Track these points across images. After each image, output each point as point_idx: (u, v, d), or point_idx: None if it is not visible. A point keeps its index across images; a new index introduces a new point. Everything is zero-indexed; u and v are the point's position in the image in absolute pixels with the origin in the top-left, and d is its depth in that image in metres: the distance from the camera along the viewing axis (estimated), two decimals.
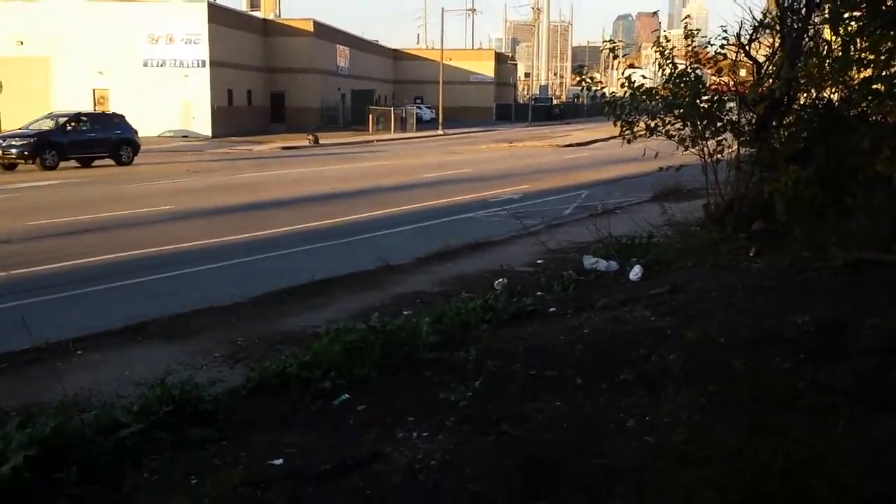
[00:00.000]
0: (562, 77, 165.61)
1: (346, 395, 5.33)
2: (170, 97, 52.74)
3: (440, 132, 63.79)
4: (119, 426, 4.53)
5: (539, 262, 11.10)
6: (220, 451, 4.55)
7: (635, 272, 9.22)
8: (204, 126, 53.50)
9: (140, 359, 6.91)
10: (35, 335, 6.86)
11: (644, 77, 10.96)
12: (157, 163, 33.03)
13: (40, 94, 52.40)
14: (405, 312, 7.93)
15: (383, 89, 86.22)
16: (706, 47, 10.92)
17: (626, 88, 10.60)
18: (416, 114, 71.17)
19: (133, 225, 15.49)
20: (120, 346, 7.33)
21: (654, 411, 4.71)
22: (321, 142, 48.66)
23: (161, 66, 53.66)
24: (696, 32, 10.76)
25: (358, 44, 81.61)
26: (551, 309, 7.86)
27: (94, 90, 53.48)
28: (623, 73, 11.04)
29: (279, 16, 75.25)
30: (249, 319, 8.41)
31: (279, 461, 4.35)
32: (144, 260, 11.93)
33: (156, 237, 13.89)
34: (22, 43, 52.87)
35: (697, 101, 10.10)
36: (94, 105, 53.25)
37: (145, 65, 53.54)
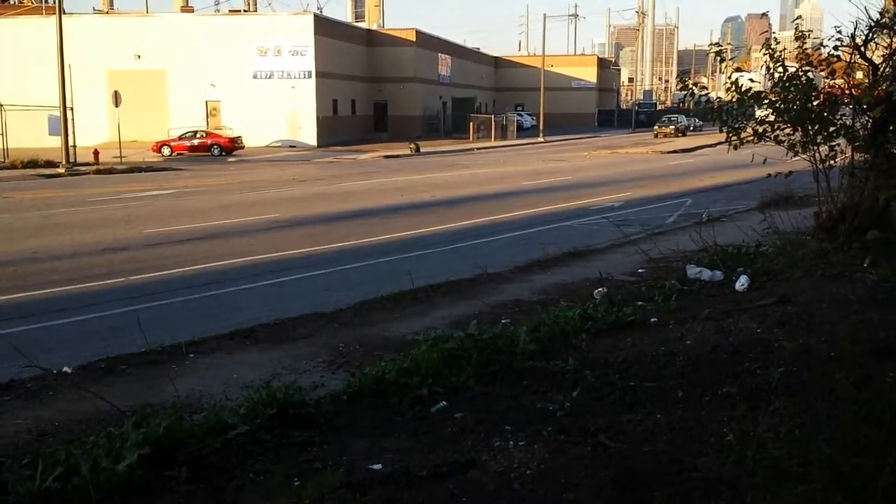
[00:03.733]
0: (667, 82, 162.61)
1: (444, 403, 5.39)
2: (277, 108, 54.24)
3: (541, 139, 63.52)
4: (227, 427, 4.71)
5: (640, 271, 10.95)
6: (321, 453, 4.68)
7: (741, 282, 8.99)
8: (310, 135, 54.79)
9: (247, 362, 7.15)
10: (151, 339, 7.19)
11: (752, 81, 10.63)
12: (264, 171, 33.96)
13: (157, 107, 54.70)
14: (503, 321, 7.95)
15: (484, 97, 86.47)
16: (818, 49, 10.55)
17: (732, 93, 10.34)
18: (517, 121, 71.11)
19: (242, 233, 16.00)
20: (229, 349, 7.60)
21: (755, 425, 4.60)
22: (422, 150, 49.17)
23: (269, 77, 55.24)
24: (807, 34, 10.41)
25: (459, 52, 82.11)
26: (652, 319, 7.74)
27: (206, 102, 55.48)
28: (730, 77, 10.77)
29: (382, 26, 76.57)
30: (351, 325, 8.58)
31: (378, 465, 4.44)
32: (251, 267, 12.32)
33: (263, 245, 14.32)
34: (139, 57, 55.25)
35: (809, 105, 9.77)
36: (207, 117, 55.26)
37: (254, 77, 55.21)
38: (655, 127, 67.26)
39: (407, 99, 66.31)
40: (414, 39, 67.52)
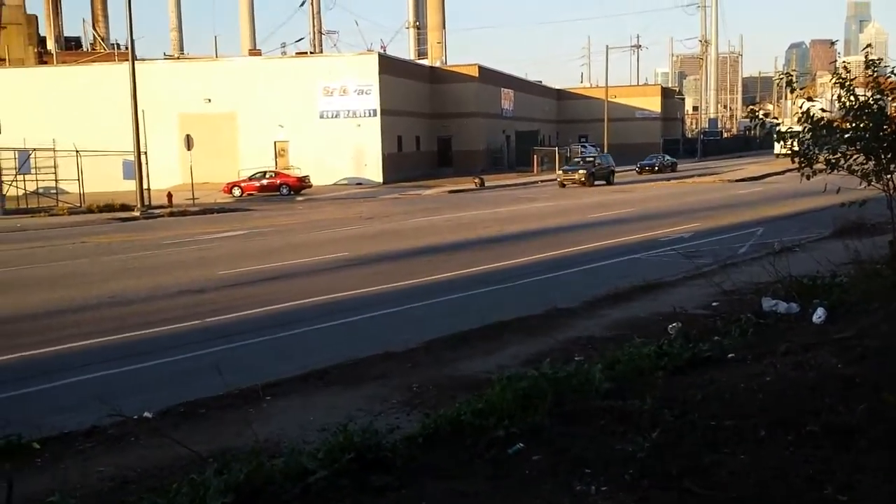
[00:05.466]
0: (732, 109, 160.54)
1: (521, 444, 5.34)
2: (343, 146, 55.10)
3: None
4: (306, 472, 4.74)
5: (714, 304, 10.74)
6: (399, 498, 4.67)
7: (818, 315, 8.76)
8: (375, 172, 55.46)
9: (322, 404, 7.21)
10: (228, 381, 7.30)
11: (823, 111, 10.42)
12: (332, 209, 34.39)
13: (228, 148, 56.05)
14: (576, 358, 7.88)
15: (547, 129, 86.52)
16: (889, 76, 10.31)
17: (803, 123, 10.16)
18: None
19: (312, 272, 16.22)
20: (304, 391, 7.68)
21: (844, 468, 4.45)
22: (487, 184, 49.33)
23: (335, 116, 56.21)
24: (877, 62, 10.21)
25: (521, 86, 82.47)
26: (730, 355, 7.58)
27: (275, 142, 56.69)
28: (801, 107, 10.59)
29: (445, 62, 77.32)
30: (423, 365, 8.60)
31: None
32: (322, 306, 12.45)
33: (333, 284, 14.47)
34: (209, 100, 56.78)
35: (881, 134, 9.55)
36: (276, 157, 56.40)
37: (321, 116, 56.24)
38: (559, 172, 50.51)
39: (470, 133, 66.76)
40: (476, 75, 68.07)
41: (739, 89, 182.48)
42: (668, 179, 49.64)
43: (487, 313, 11.01)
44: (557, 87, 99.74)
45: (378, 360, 8.80)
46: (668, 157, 65.12)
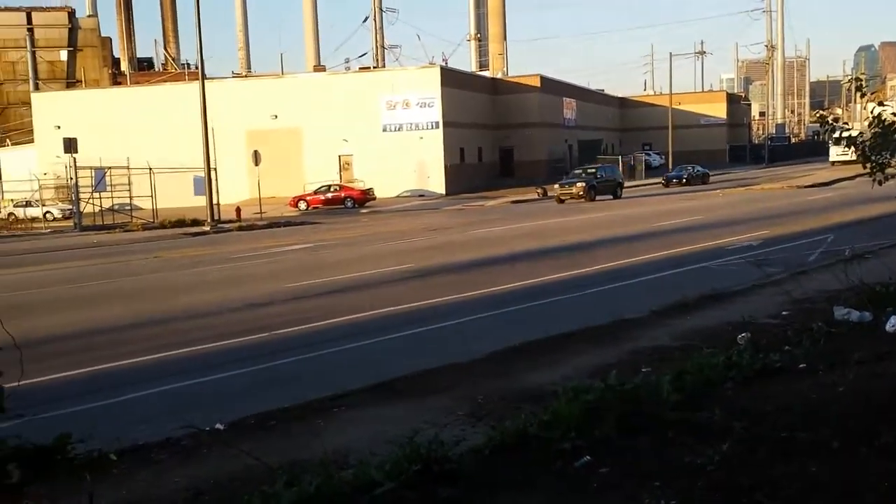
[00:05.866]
0: (799, 114, 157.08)
1: (588, 457, 5.32)
2: (406, 159, 55.53)
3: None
4: (374, 484, 4.79)
5: (784, 313, 10.53)
6: None
7: (892, 323, 8.53)
8: (438, 184, 55.74)
9: (389, 416, 7.27)
10: (297, 393, 7.43)
11: (895, 115, 10.17)
12: (395, 222, 34.66)
13: (293, 163, 57.01)
14: (643, 369, 7.80)
15: (610, 138, 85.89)
16: None
17: (874, 128, 9.92)
18: (645, 160, 70.22)
19: (378, 284, 16.36)
20: (371, 403, 7.75)
21: None
22: (549, 194, 49.13)
23: (398, 130, 56.70)
24: None
25: (584, 95, 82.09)
26: (801, 365, 7.43)
27: (339, 156, 57.43)
28: (871, 111, 10.35)
29: (507, 73, 77.41)
30: (487, 376, 8.60)
31: None
32: (388, 318, 12.55)
33: (398, 295, 14.58)
34: (276, 116, 57.83)
35: None
36: (340, 171, 57.12)
37: (384, 130, 56.80)
38: (556, 186, 45.92)
39: (533, 144, 66.67)
40: (538, 85, 68.00)
41: (807, 94, 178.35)
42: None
43: (552, 324, 10.97)
44: (620, 95, 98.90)
45: (443, 371, 8.83)
46: (698, 168, 60.40)
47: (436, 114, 56.21)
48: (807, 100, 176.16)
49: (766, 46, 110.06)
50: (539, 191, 49.76)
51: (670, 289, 13.62)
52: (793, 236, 20.48)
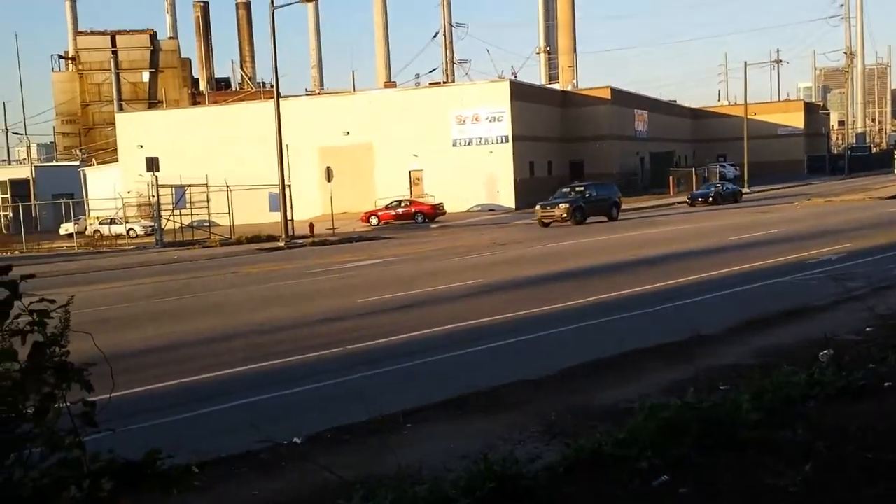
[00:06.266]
0: (880, 123, 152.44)
1: (666, 477, 5.24)
2: (476, 173, 55.68)
3: (746, 189, 61.18)
4: (448, 501, 4.81)
5: (867, 329, 10.22)
6: None
7: None
8: (508, 198, 55.71)
9: (462, 432, 7.29)
10: (370, 408, 7.49)
11: None
12: (465, 236, 34.73)
13: (365, 178, 57.69)
14: (721, 387, 7.66)
15: (683, 149, 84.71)
16: None
17: None
18: (719, 172, 69.04)
19: (448, 299, 16.42)
20: (444, 418, 7.79)
21: None
22: (621, 207, 48.63)
23: (468, 144, 56.92)
24: None
25: (655, 106, 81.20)
26: (886, 383, 7.21)
27: (409, 172, 57.89)
28: None
29: (577, 86, 77.05)
30: (560, 393, 8.56)
31: None
32: (457, 333, 12.58)
33: (469, 311, 14.60)
34: (348, 133, 58.62)
35: None
36: (411, 186, 57.59)
37: (454, 144, 57.09)
38: (537, 208, 40.62)
39: (603, 156, 66.16)
40: (609, 97, 67.56)
41: (888, 102, 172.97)
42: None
43: (625, 340, 10.86)
44: (693, 105, 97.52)
45: (516, 387, 8.82)
46: (728, 186, 54.39)
47: (505, 128, 56.25)
48: (888, 108, 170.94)
49: (845, 54, 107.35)
50: None
51: (747, 304, 13.37)
52: (875, 250, 19.88)
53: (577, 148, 66.02)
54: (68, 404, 3.33)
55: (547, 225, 38.32)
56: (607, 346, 10.60)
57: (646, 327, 12.20)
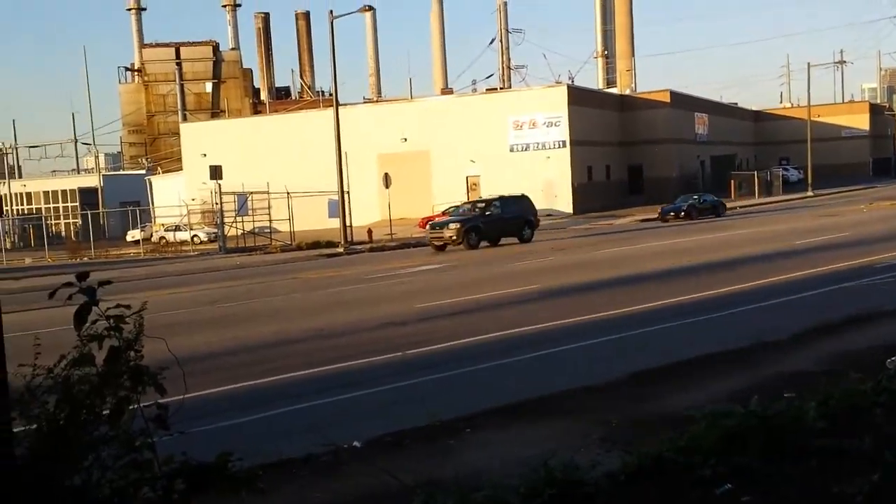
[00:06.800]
0: None
1: (729, 485, 5.19)
2: (533, 178, 55.49)
3: (810, 193, 59.99)
4: None
5: None
6: None
7: None
8: (565, 203, 55.44)
9: (521, 438, 7.30)
10: (429, 413, 7.56)
11: None
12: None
13: (422, 184, 57.96)
14: (786, 395, 7.54)
15: (744, 152, 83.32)
16: None
17: None
18: (782, 175, 67.75)
19: (505, 305, 16.42)
20: (502, 424, 7.80)
21: None
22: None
23: (525, 149, 56.83)
24: None
25: (716, 109, 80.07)
26: None
27: (467, 177, 57.98)
28: None
29: (635, 90, 76.36)
30: (621, 399, 8.51)
31: None
32: (515, 339, 12.56)
33: (525, 316, 14.58)
34: (405, 139, 58.99)
35: None
36: (468, 191, 57.68)
37: (511, 150, 57.04)
38: (427, 228, 37.20)
39: (662, 161, 65.44)
40: (668, 100, 66.82)
41: None
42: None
43: (687, 346, 10.75)
44: (755, 108, 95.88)
45: (576, 393, 8.79)
46: (707, 198, 47.63)
47: (563, 132, 56.02)
48: None
49: None
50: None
51: (812, 310, 13.12)
52: None
53: (636, 152, 65.42)
54: (141, 406, 3.45)
55: (442, 248, 33.00)
56: (670, 351, 10.51)
57: (706, 334, 12.05)
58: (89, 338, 3.33)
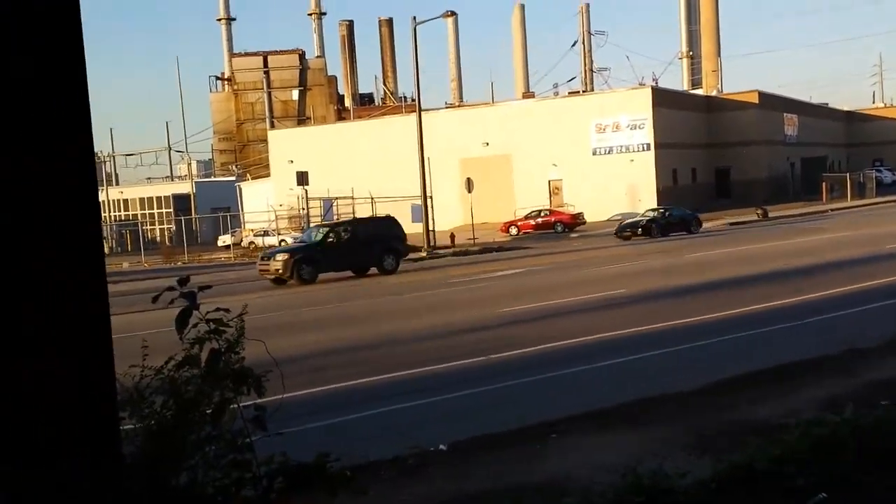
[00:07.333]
0: None
1: (823, 495, 5.08)
2: (617, 182, 54.97)
3: None
4: None
5: None
6: None
7: None
8: (650, 207, 54.65)
9: (607, 444, 7.26)
10: (514, 417, 7.60)
11: None
12: (604, 246, 34.43)
13: (504, 189, 57.99)
14: (882, 403, 7.32)
15: (836, 154, 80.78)
16: None
17: None
18: (876, 177, 65.45)
19: (589, 309, 16.32)
20: (588, 430, 7.77)
21: None
22: (770, 214, 46.91)
23: (608, 153, 56.29)
24: None
25: (805, 109, 77.86)
26: None
27: (549, 181, 57.77)
28: None
29: (721, 91, 74.83)
30: (708, 407, 8.37)
31: None
32: (599, 344, 12.50)
33: (609, 321, 14.46)
34: (487, 144, 59.11)
35: None
36: (550, 195, 57.46)
37: (594, 153, 56.58)
38: (258, 260, 31.90)
39: (750, 162, 63.97)
40: (756, 101, 65.32)
41: None
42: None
43: (776, 353, 10.51)
44: (846, 108, 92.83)
45: (662, 400, 8.69)
46: (676, 211, 41.02)
47: (647, 135, 55.30)
48: None
49: None
50: (759, 211, 47.60)
51: None
52: None
53: (723, 154, 64.10)
54: (240, 407, 3.60)
55: (283, 282, 28.10)
56: (759, 359, 10.29)
57: (799, 340, 11.76)
58: (195, 341, 3.48)
